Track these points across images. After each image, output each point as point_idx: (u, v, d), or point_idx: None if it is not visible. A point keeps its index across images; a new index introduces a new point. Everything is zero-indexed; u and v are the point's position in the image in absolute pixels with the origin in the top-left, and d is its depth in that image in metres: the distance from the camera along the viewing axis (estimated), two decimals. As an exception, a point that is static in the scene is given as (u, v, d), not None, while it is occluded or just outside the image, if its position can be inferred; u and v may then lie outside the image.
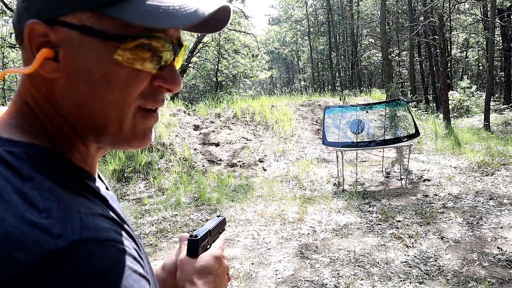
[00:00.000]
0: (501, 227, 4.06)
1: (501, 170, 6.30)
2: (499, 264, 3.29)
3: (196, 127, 9.82)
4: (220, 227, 0.75)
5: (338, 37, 27.64)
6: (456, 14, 22.11)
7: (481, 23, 22.59)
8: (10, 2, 10.75)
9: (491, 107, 15.23)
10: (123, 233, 0.42)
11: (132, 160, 7.51)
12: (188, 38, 16.27)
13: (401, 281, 3.15)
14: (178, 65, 0.51)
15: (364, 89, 20.52)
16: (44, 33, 0.42)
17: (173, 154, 8.08)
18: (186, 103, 13.40)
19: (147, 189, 6.94)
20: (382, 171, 7.26)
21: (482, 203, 4.92)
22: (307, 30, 30.61)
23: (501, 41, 19.73)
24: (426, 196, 5.50)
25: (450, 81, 19.46)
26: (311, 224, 4.69)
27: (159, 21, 0.42)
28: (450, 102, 14.67)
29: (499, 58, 22.11)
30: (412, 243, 3.88)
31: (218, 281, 0.64)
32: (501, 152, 7.22)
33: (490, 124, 12.99)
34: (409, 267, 3.39)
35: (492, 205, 4.78)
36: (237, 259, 3.80)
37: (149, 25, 0.42)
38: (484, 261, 3.36)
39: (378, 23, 20.21)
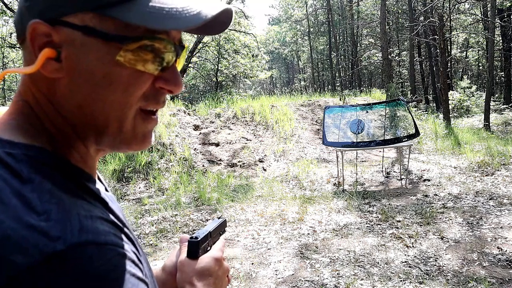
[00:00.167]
0: (501, 227, 4.06)
1: (501, 170, 6.30)
2: (499, 264, 3.29)
3: (196, 127, 9.83)
4: (220, 229, 0.75)
5: (338, 37, 27.65)
6: (456, 14, 22.11)
7: (481, 23, 22.60)
8: (10, 2, 10.75)
9: (491, 107, 15.23)
10: (123, 236, 0.42)
11: (132, 160, 7.52)
12: (188, 38, 16.27)
13: (401, 281, 3.15)
14: (179, 66, 0.51)
15: (364, 89, 20.51)
16: (46, 33, 0.42)
17: (173, 154, 8.08)
18: (186, 103, 13.40)
19: (147, 189, 6.94)
20: (382, 171, 7.26)
21: (482, 203, 4.92)
22: (307, 30, 30.61)
23: (501, 41, 19.73)
24: (426, 196, 5.50)
25: (450, 81, 19.45)
26: (311, 224, 4.69)
27: (162, 23, 0.42)
28: (450, 102, 14.67)
29: (499, 58, 22.11)
30: (412, 243, 3.88)
31: (218, 283, 0.64)
32: (501, 152, 7.22)
33: (490, 124, 13.00)
34: (409, 267, 3.39)
35: (492, 205, 4.78)
36: (237, 259, 3.80)
37: (151, 26, 0.42)
38: (484, 261, 3.36)
39: (378, 23, 20.21)
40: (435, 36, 15.01)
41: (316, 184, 6.70)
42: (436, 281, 3.11)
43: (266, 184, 6.75)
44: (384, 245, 3.90)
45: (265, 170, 7.93)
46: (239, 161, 8.34)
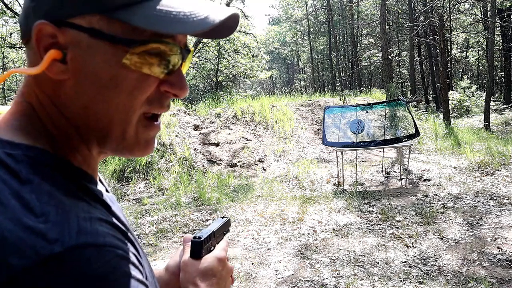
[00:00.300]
0: (501, 227, 4.06)
1: (501, 170, 6.31)
2: (499, 264, 3.30)
3: (196, 127, 9.83)
4: (224, 228, 0.74)
5: (338, 37, 27.65)
6: (456, 14, 22.12)
7: (481, 23, 22.60)
8: (10, 2, 10.74)
9: (491, 107, 15.23)
10: (123, 238, 0.42)
11: (132, 160, 7.52)
12: (188, 38, 16.25)
13: (401, 281, 3.15)
14: (184, 70, 0.51)
15: (364, 89, 20.49)
16: (52, 34, 0.42)
17: (173, 154, 8.08)
18: (186, 103, 13.39)
19: (147, 189, 6.94)
20: (382, 171, 7.27)
21: (482, 203, 4.92)
22: (307, 30, 30.61)
23: (501, 41, 19.74)
24: (426, 196, 5.50)
25: (450, 81, 19.46)
26: (311, 224, 4.69)
27: (169, 27, 0.42)
28: (450, 102, 14.67)
29: (499, 58, 22.12)
30: (412, 243, 3.89)
31: (222, 283, 0.63)
32: (501, 152, 7.22)
33: (490, 124, 13.00)
34: (409, 267, 3.39)
35: (492, 205, 4.78)
36: (237, 259, 3.81)
37: (159, 30, 0.42)
38: (484, 261, 3.37)
39: (378, 23, 20.21)
40: (435, 36, 15.01)
41: (316, 184, 6.70)
42: (436, 281, 3.12)
43: (266, 184, 6.75)
44: (384, 245, 3.90)
45: (265, 170, 7.93)
46: (239, 161, 8.34)
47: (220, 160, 8.43)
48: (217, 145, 9.06)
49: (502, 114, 16.09)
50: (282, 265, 3.62)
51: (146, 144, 0.49)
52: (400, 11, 23.85)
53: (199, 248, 0.64)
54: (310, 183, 6.76)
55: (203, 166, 8.09)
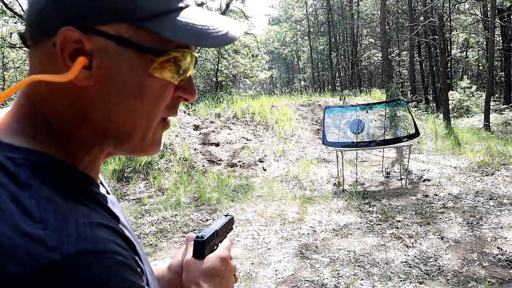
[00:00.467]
0: (501, 227, 4.06)
1: (501, 170, 6.31)
2: (499, 264, 3.30)
3: (196, 127, 9.83)
4: (227, 227, 0.74)
5: (338, 37, 27.65)
6: (456, 14, 22.12)
7: (481, 23, 22.60)
8: (10, 2, 10.73)
9: (491, 107, 15.24)
10: (123, 243, 0.41)
11: (132, 160, 7.52)
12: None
13: (401, 281, 3.16)
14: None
15: (364, 89, 20.50)
16: (78, 40, 0.41)
17: (173, 154, 8.08)
18: (186, 103, 13.39)
19: (147, 189, 6.94)
20: (382, 171, 7.27)
21: (482, 203, 4.92)
22: (307, 30, 30.61)
23: (501, 41, 19.74)
24: (426, 196, 5.50)
25: (450, 81, 19.46)
26: (311, 224, 4.70)
27: (198, 39, 0.44)
28: (450, 102, 14.67)
29: (499, 58, 22.12)
30: (412, 243, 3.89)
31: (225, 282, 0.63)
32: (501, 152, 7.22)
33: (490, 124, 13.00)
34: (409, 267, 3.40)
35: (492, 205, 4.79)
36: (237, 259, 3.81)
37: (187, 42, 0.44)
38: (484, 261, 3.37)
39: (378, 23, 20.22)
40: (435, 36, 15.02)
41: (316, 184, 6.71)
42: (436, 281, 3.12)
43: (266, 184, 6.76)
44: (384, 245, 3.91)
45: (265, 170, 7.94)
46: (239, 161, 8.35)
47: (220, 160, 8.43)
48: (217, 145, 9.06)
49: (502, 114, 16.10)
50: (282, 265, 3.63)
51: (159, 143, 0.51)
52: (400, 11, 23.85)
53: (202, 247, 0.64)
54: (310, 183, 6.76)
55: (203, 166, 8.09)
